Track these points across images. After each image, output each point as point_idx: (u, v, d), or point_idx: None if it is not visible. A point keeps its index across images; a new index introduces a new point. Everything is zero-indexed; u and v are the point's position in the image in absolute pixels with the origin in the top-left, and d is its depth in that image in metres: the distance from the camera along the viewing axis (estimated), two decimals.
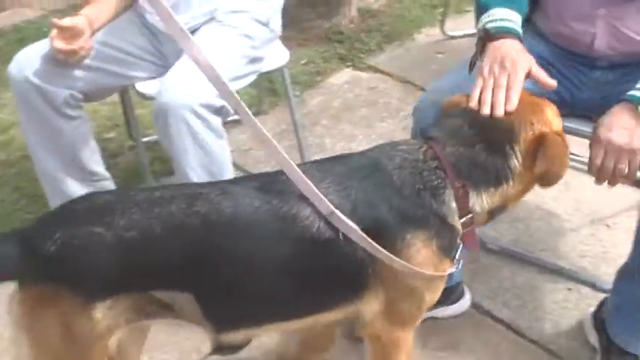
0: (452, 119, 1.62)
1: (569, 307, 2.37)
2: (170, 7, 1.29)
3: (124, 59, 2.40)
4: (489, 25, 1.77)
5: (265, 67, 2.54)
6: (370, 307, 1.58)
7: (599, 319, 2.18)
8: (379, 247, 1.46)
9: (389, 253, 1.47)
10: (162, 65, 2.44)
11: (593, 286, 2.44)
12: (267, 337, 2.17)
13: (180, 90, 2.08)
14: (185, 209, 1.46)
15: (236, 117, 3.20)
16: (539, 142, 1.55)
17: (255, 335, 1.96)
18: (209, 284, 1.48)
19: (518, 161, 1.55)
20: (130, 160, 3.08)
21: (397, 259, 1.48)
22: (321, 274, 1.52)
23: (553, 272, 2.50)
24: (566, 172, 1.59)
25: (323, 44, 3.97)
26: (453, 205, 1.53)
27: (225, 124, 2.20)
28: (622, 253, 2.10)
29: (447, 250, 1.56)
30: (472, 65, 1.84)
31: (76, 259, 1.43)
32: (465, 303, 2.33)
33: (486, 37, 1.75)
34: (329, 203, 1.44)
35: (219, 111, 2.13)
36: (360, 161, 1.57)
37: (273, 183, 1.51)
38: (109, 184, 2.53)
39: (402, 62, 3.85)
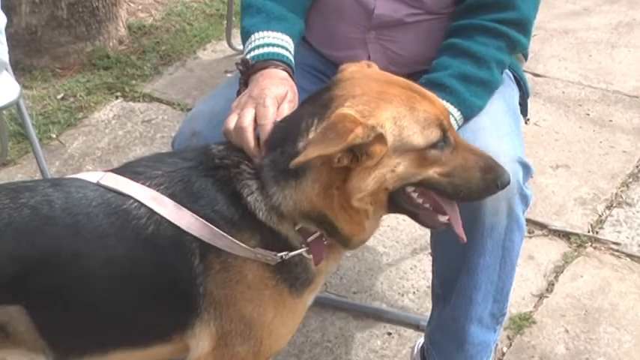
0: None
1: (388, 355, 2.42)
2: None
3: None
4: (250, 55, 1.82)
5: None
6: (200, 343, 1.59)
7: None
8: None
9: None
10: None
11: (417, 327, 2.50)
12: None
13: None
14: (9, 203, 1.50)
15: None
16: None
17: None
18: (40, 292, 1.49)
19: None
20: None
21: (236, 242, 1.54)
22: (154, 287, 1.56)
23: (369, 316, 2.55)
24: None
25: (85, 72, 3.87)
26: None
27: None
28: None
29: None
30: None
31: None
32: None
33: (247, 70, 1.80)
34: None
35: None
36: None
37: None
38: None
39: (183, 86, 3.83)
